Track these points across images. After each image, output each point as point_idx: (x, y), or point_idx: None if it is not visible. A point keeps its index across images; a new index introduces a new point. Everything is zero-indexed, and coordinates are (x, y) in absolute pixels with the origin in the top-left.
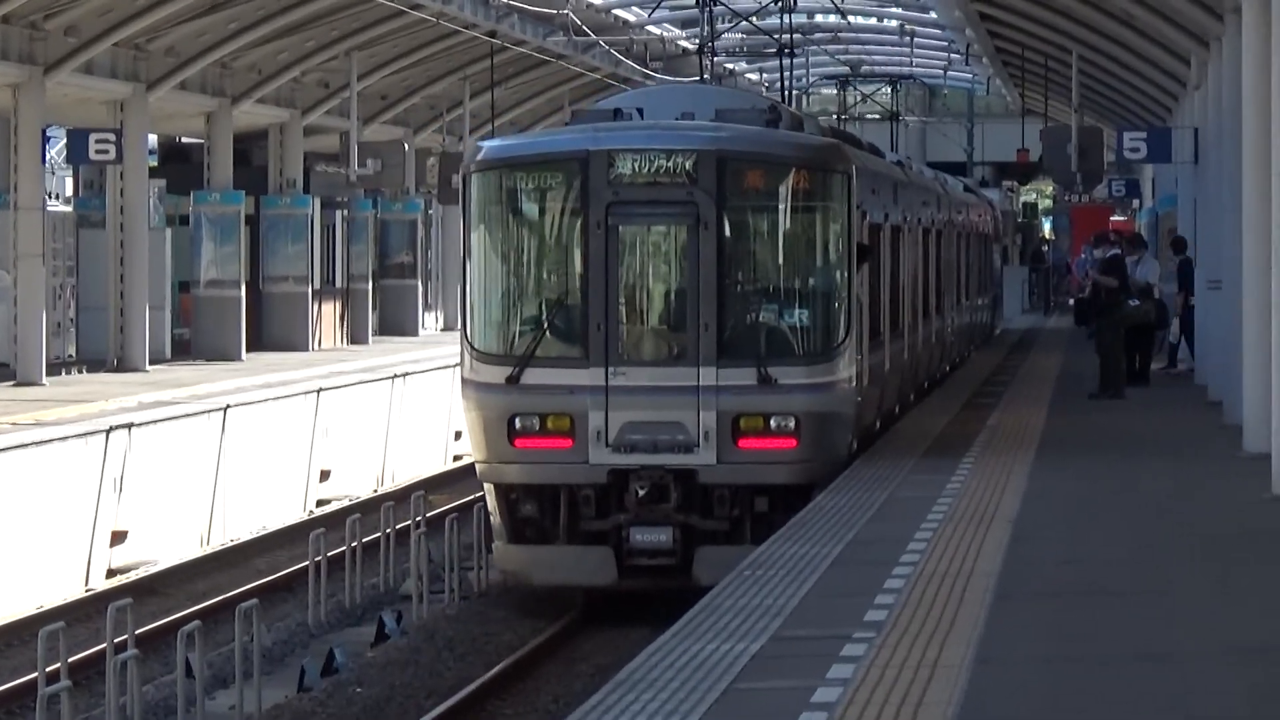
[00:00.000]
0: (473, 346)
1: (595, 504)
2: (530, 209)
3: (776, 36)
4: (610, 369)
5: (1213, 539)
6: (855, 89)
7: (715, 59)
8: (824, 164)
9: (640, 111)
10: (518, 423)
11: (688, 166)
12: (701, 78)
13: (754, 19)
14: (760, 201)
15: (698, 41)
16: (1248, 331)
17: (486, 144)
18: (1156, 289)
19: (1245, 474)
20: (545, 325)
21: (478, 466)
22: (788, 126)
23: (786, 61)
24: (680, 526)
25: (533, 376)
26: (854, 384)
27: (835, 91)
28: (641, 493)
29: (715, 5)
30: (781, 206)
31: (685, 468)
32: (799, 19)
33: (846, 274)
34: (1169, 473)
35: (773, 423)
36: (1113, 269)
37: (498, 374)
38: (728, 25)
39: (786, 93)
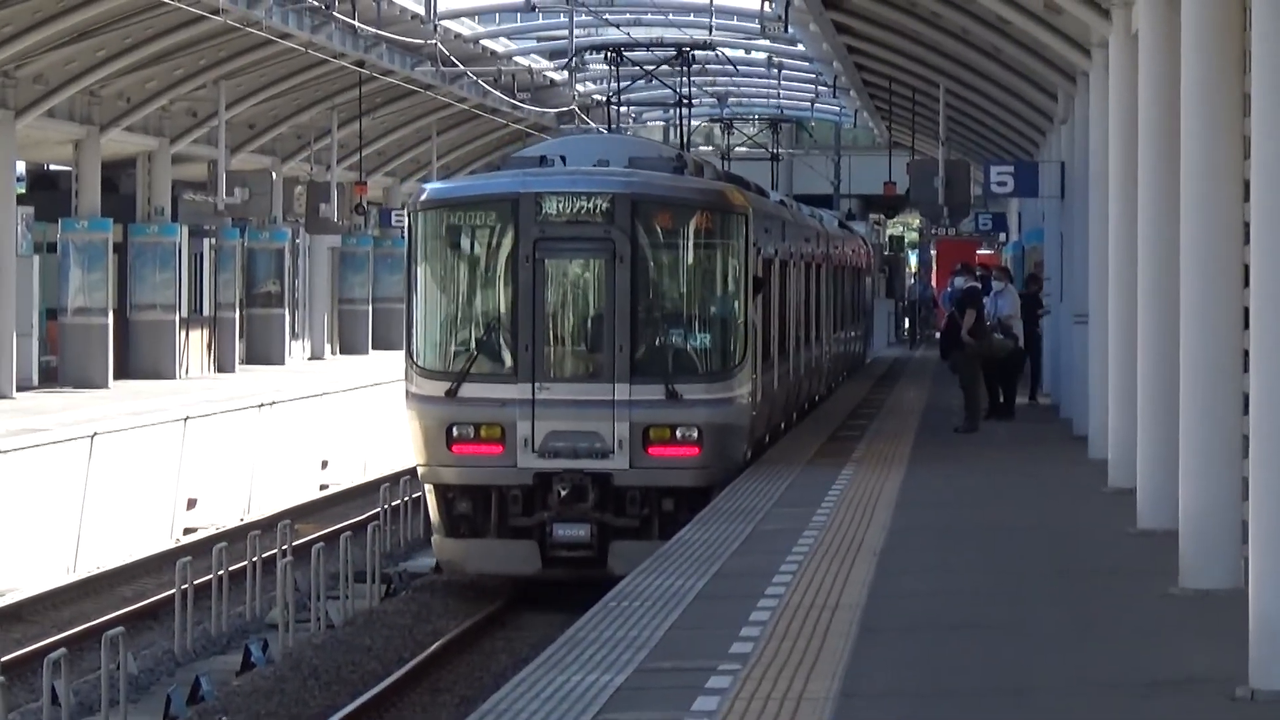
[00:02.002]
0: (416, 363)
1: (522, 503)
2: (467, 243)
3: (675, 89)
4: (536, 384)
5: (1076, 573)
6: (738, 131)
7: (579, 89)
8: (725, 206)
9: (563, 159)
10: (455, 431)
11: (605, 207)
12: (610, 127)
13: (655, 72)
14: (669, 238)
15: (607, 95)
16: (1112, 367)
17: (429, 186)
18: (1014, 321)
19: (1109, 508)
20: (480, 345)
21: (419, 469)
22: (692, 173)
23: (681, 110)
24: (597, 523)
25: (468, 390)
26: (749, 400)
27: (704, 123)
28: (563, 493)
29: (622, 61)
30: (687, 243)
31: (601, 472)
32: (668, 52)
33: (743, 303)
34: (1034, 507)
35: (678, 433)
36: (969, 302)
37: (438, 388)
38: (636, 83)
39: (685, 139)
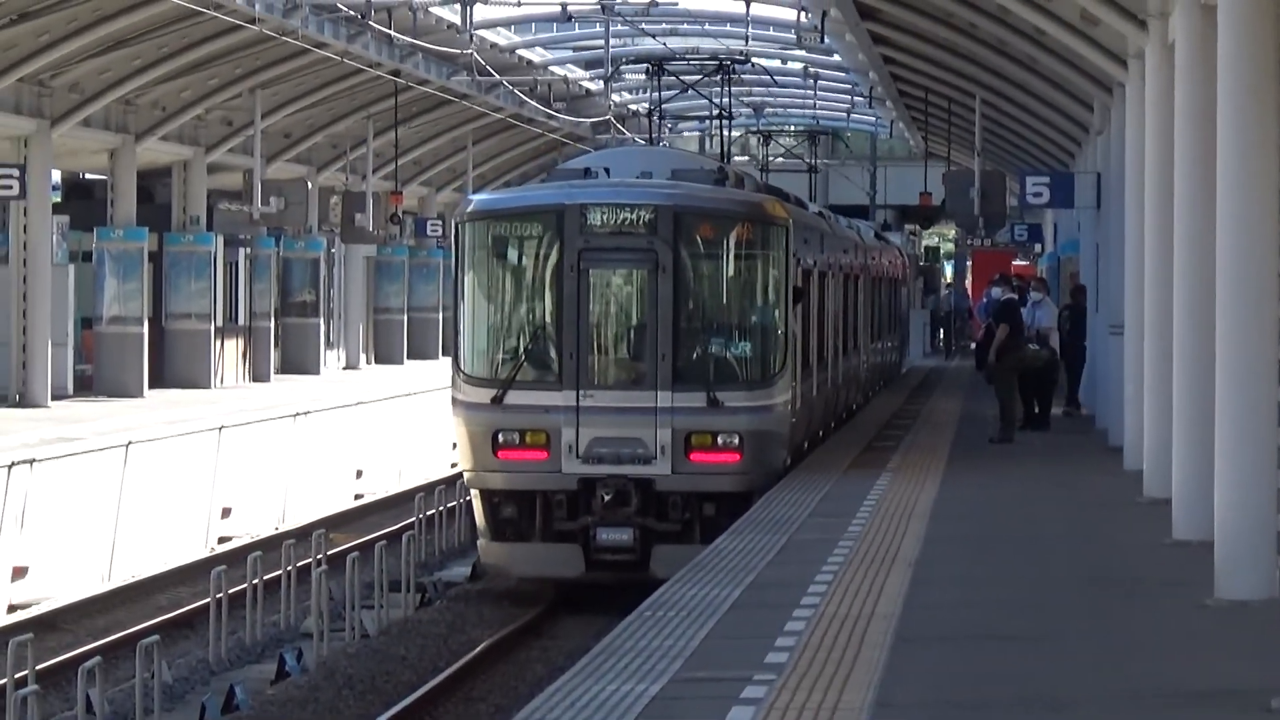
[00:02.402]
0: (463, 371)
1: (566, 507)
2: (513, 254)
3: (717, 102)
4: (581, 392)
5: (1111, 584)
6: (775, 142)
7: (615, 99)
8: (766, 217)
9: (607, 170)
10: (500, 437)
11: (648, 219)
12: (651, 138)
13: (697, 87)
14: (710, 249)
15: (647, 106)
16: (1148, 377)
17: (476, 197)
18: (1052, 333)
19: (1144, 519)
20: (525, 353)
21: (465, 474)
22: (733, 185)
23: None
24: (639, 527)
25: (514, 397)
26: (788, 408)
27: (742, 134)
28: (606, 498)
29: (664, 74)
30: (729, 254)
31: (644, 477)
32: (708, 65)
33: (784, 312)
34: (1068, 517)
35: (719, 439)
36: (1006, 314)
37: (484, 395)
38: (673, 93)
39: (725, 150)
